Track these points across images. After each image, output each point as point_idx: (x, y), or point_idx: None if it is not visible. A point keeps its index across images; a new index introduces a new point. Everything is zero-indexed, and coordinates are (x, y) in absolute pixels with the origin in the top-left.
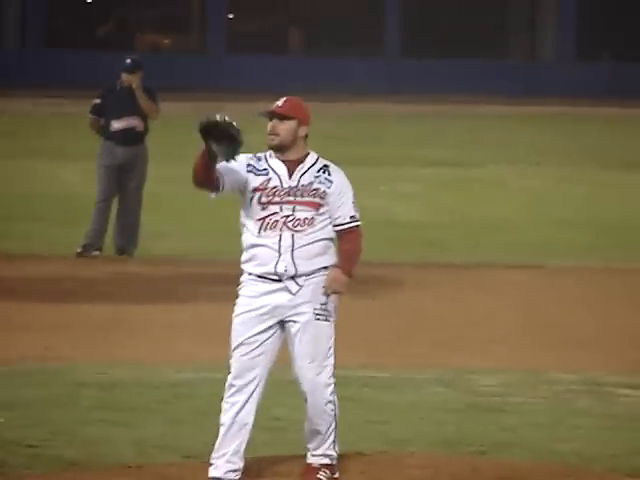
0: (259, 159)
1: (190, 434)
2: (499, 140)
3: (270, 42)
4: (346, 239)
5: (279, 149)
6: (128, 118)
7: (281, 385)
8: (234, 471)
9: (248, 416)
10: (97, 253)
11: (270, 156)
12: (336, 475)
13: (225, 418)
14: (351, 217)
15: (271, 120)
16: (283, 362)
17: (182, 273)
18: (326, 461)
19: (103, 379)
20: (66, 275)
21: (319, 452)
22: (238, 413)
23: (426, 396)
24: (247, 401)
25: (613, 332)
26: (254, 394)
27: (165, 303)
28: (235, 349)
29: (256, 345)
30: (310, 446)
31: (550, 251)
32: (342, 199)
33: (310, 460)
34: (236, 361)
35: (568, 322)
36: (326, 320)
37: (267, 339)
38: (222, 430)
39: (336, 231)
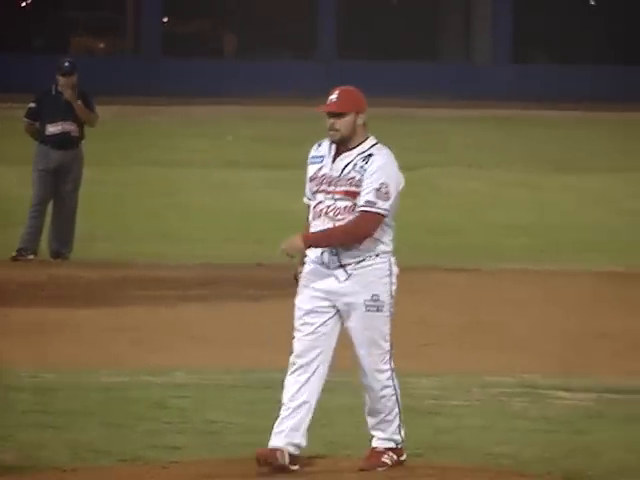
0: (320, 144)
1: (125, 438)
2: (437, 143)
3: (205, 45)
4: (354, 217)
5: (342, 142)
6: (63, 123)
7: (216, 389)
8: (293, 445)
9: (310, 395)
10: (32, 257)
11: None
12: (403, 457)
13: (285, 396)
14: (366, 202)
15: (329, 117)
16: (224, 367)
17: (117, 276)
18: (391, 445)
19: (38, 383)
20: (1, 279)
21: (384, 436)
22: (299, 390)
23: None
24: (308, 380)
25: (549, 335)
26: (316, 373)
27: (100, 307)
28: (296, 328)
29: (316, 326)
30: (374, 432)
31: (490, 254)
32: (367, 182)
33: (375, 444)
34: (298, 340)
35: (504, 325)
36: (378, 311)
37: (326, 321)
38: (282, 408)
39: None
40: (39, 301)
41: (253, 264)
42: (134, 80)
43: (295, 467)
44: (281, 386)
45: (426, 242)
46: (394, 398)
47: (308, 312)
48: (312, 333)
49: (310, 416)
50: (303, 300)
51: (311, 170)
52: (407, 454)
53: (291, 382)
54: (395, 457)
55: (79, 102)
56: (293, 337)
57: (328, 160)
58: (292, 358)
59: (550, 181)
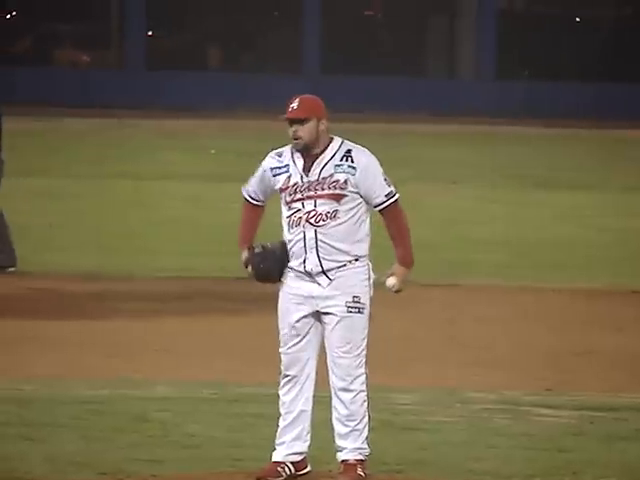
0: (280, 155)
1: (104, 450)
2: (418, 158)
3: (189, 59)
4: (389, 220)
5: (306, 149)
6: None
7: (195, 402)
8: (295, 453)
9: (305, 403)
10: (13, 269)
11: (294, 150)
12: (367, 471)
13: (282, 407)
14: (386, 195)
15: (291, 125)
16: (204, 381)
17: (93, 289)
18: (360, 457)
19: (16, 395)
20: None
21: (353, 446)
22: (293, 401)
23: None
24: (301, 390)
25: (529, 351)
26: (307, 381)
27: (77, 319)
28: (282, 340)
29: (301, 336)
30: (343, 443)
31: (466, 270)
32: (371, 179)
33: (346, 456)
34: (284, 353)
35: (484, 341)
36: (359, 312)
37: (308, 329)
38: (280, 420)
39: (378, 211)
40: (17, 313)
41: (230, 277)
42: (118, 93)
43: (306, 470)
44: (260, 400)
45: None
46: (366, 404)
47: (292, 325)
48: (298, 344)
49: (309, 422)
50: (286, 312)
51: (279, 181)
52: (388, 469)
53: (285, 394)
54: (365, 470)
55: None
56: (280, 346)
57: (296, 169)
58: (282, 370)
59: (530, 198)
